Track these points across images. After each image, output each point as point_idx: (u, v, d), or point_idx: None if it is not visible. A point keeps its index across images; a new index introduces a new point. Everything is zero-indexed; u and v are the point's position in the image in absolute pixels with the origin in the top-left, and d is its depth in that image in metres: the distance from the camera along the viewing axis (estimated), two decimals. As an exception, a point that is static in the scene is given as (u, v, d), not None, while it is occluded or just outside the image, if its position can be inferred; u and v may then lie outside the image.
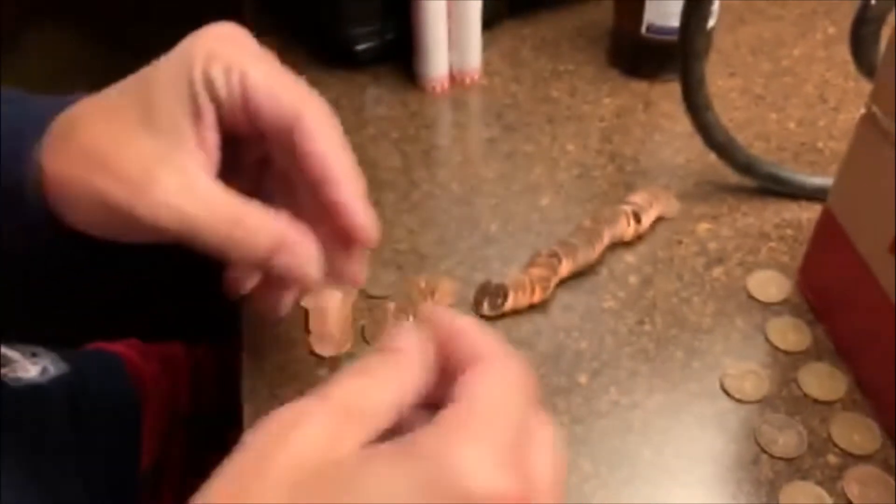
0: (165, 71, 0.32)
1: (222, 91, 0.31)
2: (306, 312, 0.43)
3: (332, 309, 0.42)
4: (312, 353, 0.41)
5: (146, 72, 0.33)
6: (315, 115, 0.32)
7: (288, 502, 0.21)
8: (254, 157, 0.36)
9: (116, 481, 0.48)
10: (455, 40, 0.57)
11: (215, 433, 0.57)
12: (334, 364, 0.41)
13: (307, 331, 0.42)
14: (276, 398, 0.39)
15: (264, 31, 0.64)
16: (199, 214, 0.31)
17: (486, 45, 0.61)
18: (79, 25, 0.72)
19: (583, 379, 0.39)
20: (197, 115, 0.31)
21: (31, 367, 0.52)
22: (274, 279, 0.36)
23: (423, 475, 0.21)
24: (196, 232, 0.31)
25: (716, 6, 0.54)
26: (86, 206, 0.32)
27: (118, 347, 0.59)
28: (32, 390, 0.45)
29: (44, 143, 0.32)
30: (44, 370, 0.53)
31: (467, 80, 0.59)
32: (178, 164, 0.31)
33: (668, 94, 0.57)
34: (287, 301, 0.38)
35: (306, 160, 0.32)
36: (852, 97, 0.56)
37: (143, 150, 0.31)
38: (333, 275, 0.34)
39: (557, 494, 0.23)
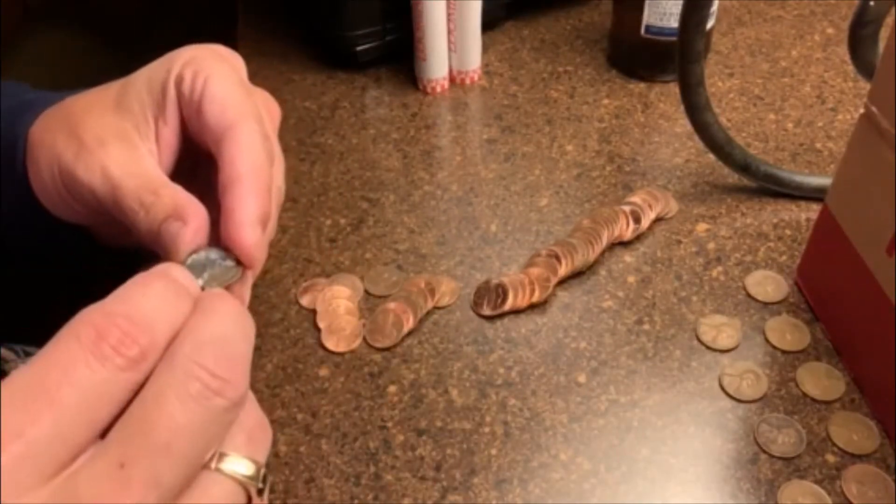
0: (150, 68, 0.36)
1: (186, 88, 0.34)
2: (314, 312, 0.43)
3: (341, 304, 0.43)
4: (314, 351, 0.41)
5: (138, 70, 0.36)
6: (248, 130, 0.33)
7: None
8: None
9: None
10: (455, 42, 0.57)
11: None
12: (337, 363, 0.41)
13: (316, 327, 0.42)
14: (277, 398, 0.39)
15: (265, 34, 0.64)
16: (128, 185, 0.33)
17: (486, 47, 0.61)
18: (80, 29, 0.72)
19: (582, 378, 0.39)
20: (161, 107, 0.34)
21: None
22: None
23: None
24: (118, 198, 0.33)
25: (714, 7, 0.54)
26: (44, 166, 0.35)
27: None
28: None
29: (37, 118, 0.36)
30: None
31: (467, 82, 0.59)
32: (130, 141, 0.34)
33: (666, 95, 0.57)
34: None
35: (222, 164, 0.33)
36: (850, 98, 0.56)
37: (106, 123, 0.34)
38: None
39: None
